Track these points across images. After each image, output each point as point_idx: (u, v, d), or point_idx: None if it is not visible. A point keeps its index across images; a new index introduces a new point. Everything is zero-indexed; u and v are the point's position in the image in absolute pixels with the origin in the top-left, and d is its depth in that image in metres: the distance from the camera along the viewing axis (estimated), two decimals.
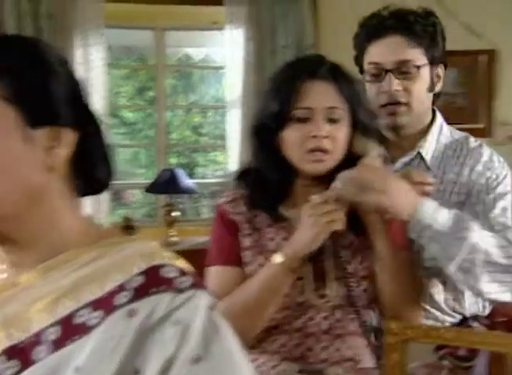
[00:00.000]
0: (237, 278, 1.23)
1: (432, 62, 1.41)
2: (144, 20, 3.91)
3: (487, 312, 1.46)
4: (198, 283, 0.73)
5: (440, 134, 1.45)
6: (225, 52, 3.73)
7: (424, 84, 1.40)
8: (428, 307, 1.41)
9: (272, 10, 3.63)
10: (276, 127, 1.21)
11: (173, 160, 5.50)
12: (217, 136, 4.69)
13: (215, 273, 1.26)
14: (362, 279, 1.22)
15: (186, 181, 3.47)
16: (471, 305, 1.44)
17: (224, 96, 3.82)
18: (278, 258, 1.16)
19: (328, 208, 1.13)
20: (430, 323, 1.41)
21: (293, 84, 1.19)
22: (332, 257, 1.21)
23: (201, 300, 0.71)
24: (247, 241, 1.24)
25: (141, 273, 0.71)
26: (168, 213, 3.51)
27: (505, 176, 1.37)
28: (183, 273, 0.72)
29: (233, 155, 3.63)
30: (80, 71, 3.43)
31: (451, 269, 1.19)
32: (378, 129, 1.28)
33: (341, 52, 3.72)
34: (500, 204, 1.32)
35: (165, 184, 3.40)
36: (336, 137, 1.19)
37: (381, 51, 1.39)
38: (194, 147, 5.62)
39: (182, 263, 0.75)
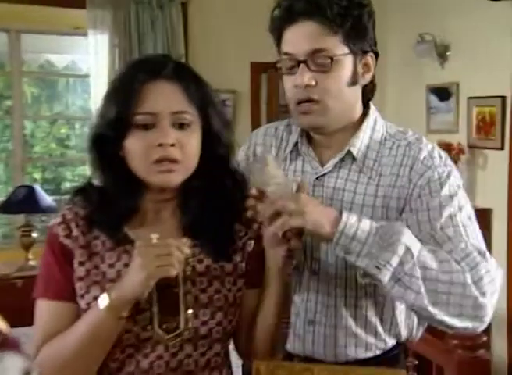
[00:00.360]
0: (69, 315, 1.05)
1: (356, 52, 1.20)
2: None
3: (419, 335, 1.34)
4: (7, 343, 0.57)
5: (374, 130, 1.27)
6: (91, 60, 3.49)
7: (342, 78, 1.20)
8: (359, 332, 1.26)
9: (139, 16, 3.46)
10: (117, 136, 1.05)
11: (37, 175, 5.10)
12: (85, 149, 4.38)
13: (44, 308, 1.08)
14: (217, 310, 1.08)
15: (46, 199, 3.18)
16: (404, 328, 1.30)
17: (91, 106, 3.57)
18: (103, 301, 1.00)
19: (162, 251, 0.97)
20: (360, 351, 1.26)
21: (133, 87, 1.03)
22: (183, 285, 1.07)
23: (10, 364, 0.57)
24: (81, 270, 1.07)
25: None
26: (26, 234, 3.19)
27: (448, 175, 1.20)
28: None
29: None
30: None
31: (384, 279, 1.06)
32: (230, 136, 1.13)
33: (213, 62, 3.72)
34: (446, 211, 1.16)
35: (21, 203, 3.09)
36: (186, 145, 1.05)
37: (293, 40, 1.20)
38: (61, 161, 5.24)
39: None
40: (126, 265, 1.05)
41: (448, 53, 3.49)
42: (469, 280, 1.09)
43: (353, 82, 1.22)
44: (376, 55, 1.25)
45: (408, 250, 1.06)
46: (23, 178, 3.68)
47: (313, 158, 1.29)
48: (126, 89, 1.04)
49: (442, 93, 3.55)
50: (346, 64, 1.20)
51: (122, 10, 3.43)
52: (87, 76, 3.61)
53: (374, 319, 1.26)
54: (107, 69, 3.43)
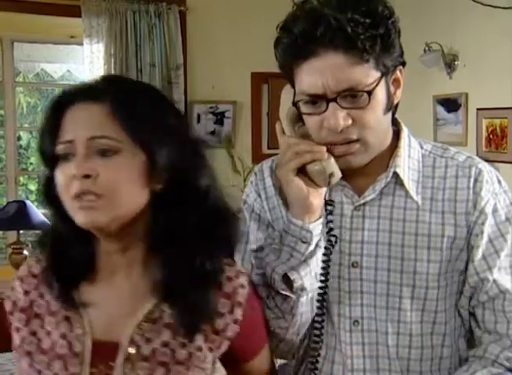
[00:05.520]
0: None
1: (387, 72, 1.02)
2: None
3: None
4: None
5: (410, 148, 1.10)
6: (86, 69, 3.38)
7: (379, 107, 1.02)
8: None
9: (136, 24, 3.35)
10: (51, 168, 0.90)
11: (33, 187, 4.98)
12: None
13: None
14: None
15: (38, 215, 3.05)
16: None
17: None
18: None
19: None
20: None
21: (55, 112, 0.90)
22: (123, 367, 0.88)
23: None
24: (16, 339, 0.92)
25: None
26: (17, 252, 3.06)
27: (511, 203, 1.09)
28: None
29: None
30: None
31: None
32: (203, 168, 0.96)
33: (212, 72, 3.60)
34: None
35: (11, 219, 2.95)
36: (105, 176, 0.86)
37: (315, 77, 0.98)
38: None
39: None
40: (63, 336, 0.89)
41: (456, 63, 3.37)
42: None
43: (390, 107, 1.05)
44: (403, 64, 1.07)
45: None
46: (17, 190, 3.58)
47: (344, 186, 1.10)
48: (48, 116, 0.91)
49: (450, 104, 3.42)
50: (380, 89, 1.01)
51: (119, 18, 3.32)
52: None
53: None
54: None
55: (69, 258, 0.92)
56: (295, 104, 1.04)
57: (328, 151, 1.01)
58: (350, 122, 0.99)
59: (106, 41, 3.31)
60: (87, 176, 0.85)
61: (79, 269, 0.92)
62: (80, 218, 0.87)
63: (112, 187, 0.86)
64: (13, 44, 3.55)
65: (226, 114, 3.67)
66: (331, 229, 1.06)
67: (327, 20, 0.95)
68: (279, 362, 1.18)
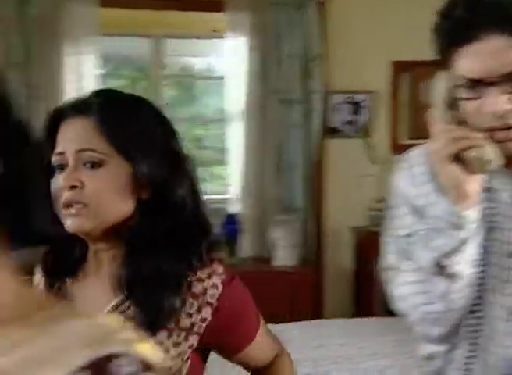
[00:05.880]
0: None
1: None
2: (141, 28, 3.72)
3: None
4: None
5: None
6: (227, 62, 3.52)
7: None
8: None
9: (277, 17, 3.42)
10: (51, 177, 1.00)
11: None
12: (219, 149, 4.49)
13: None
14: None
15: None
16: None
17: (226, 108, 3.61)
18: None
19: None
20: None
21: (51, 126, 0.99)
22: None
23: None
24: None
25: (84, 369, 0.49)
26: None
27: None
28: (146, 366, 0.51)
29: (235, 171, 3.53)
30: (70, 81, 3.23)
31: None
32: (181, 181, 0.99)
33: (352, 63, 3.57)
34: None
35: None
36: (91, 186, 0.94)
37: (476, 63, 0.97)
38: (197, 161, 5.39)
39: (147, 349, 0.53)
40: None
41: None
42: None
43: None
44: None
45: None
46: None
47: (503, 172, 1.06)
48: (45, 130, 0.99)
49: None
50: None
51: (260, 12, 3.41)
52: (221, 78, 3.65)
53: None
54: (244, 71, 3.44)
55: (61, 254, 1.03)
56: (451, 90, 1.02)
57: (487, 137, 0.99)
58: (510, 106, 0.96)
59: (247, 34, 3.41)
60: (74, 187, 0.94)
61: (69, 264, 1.03)
62: (68, 224, 0.96)
63: (97, 197, 0.94)
64: (161, 40, 3.75)
65: (362, 104, 3.64)
66: (485, 216, 1.04)
67: (487, 4, 0.94)
68: (429, 349, 1.16)
